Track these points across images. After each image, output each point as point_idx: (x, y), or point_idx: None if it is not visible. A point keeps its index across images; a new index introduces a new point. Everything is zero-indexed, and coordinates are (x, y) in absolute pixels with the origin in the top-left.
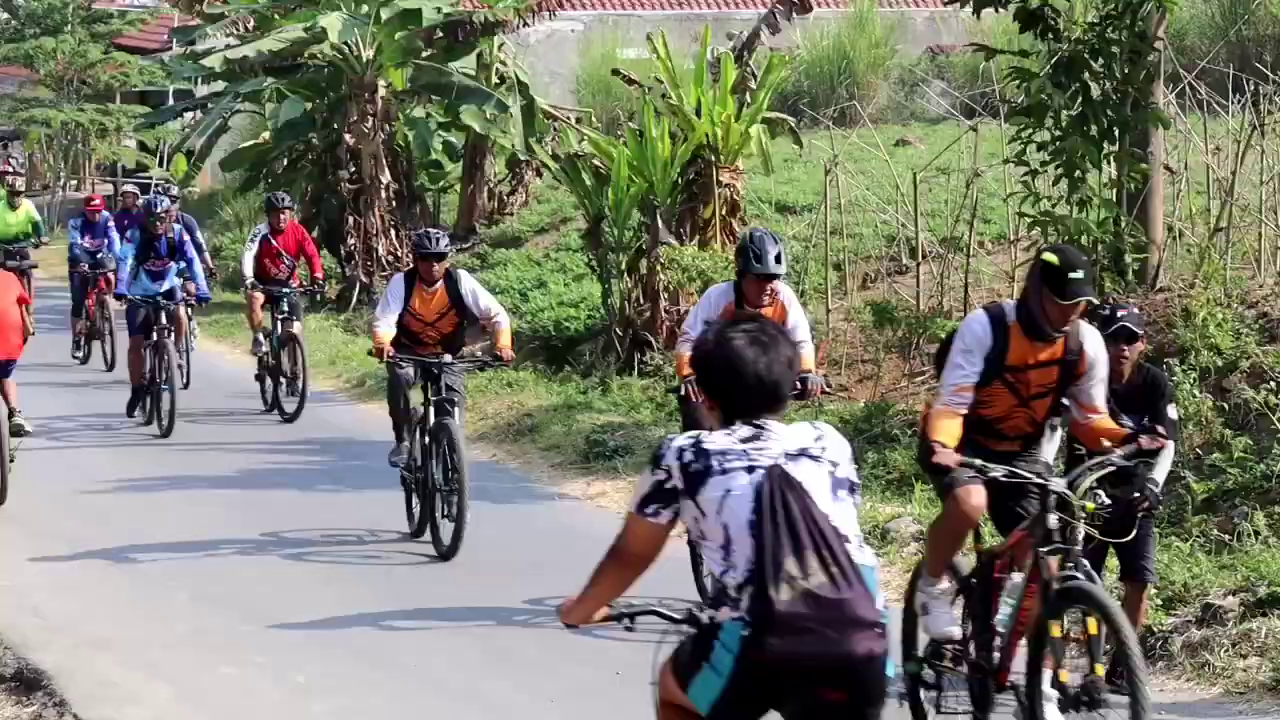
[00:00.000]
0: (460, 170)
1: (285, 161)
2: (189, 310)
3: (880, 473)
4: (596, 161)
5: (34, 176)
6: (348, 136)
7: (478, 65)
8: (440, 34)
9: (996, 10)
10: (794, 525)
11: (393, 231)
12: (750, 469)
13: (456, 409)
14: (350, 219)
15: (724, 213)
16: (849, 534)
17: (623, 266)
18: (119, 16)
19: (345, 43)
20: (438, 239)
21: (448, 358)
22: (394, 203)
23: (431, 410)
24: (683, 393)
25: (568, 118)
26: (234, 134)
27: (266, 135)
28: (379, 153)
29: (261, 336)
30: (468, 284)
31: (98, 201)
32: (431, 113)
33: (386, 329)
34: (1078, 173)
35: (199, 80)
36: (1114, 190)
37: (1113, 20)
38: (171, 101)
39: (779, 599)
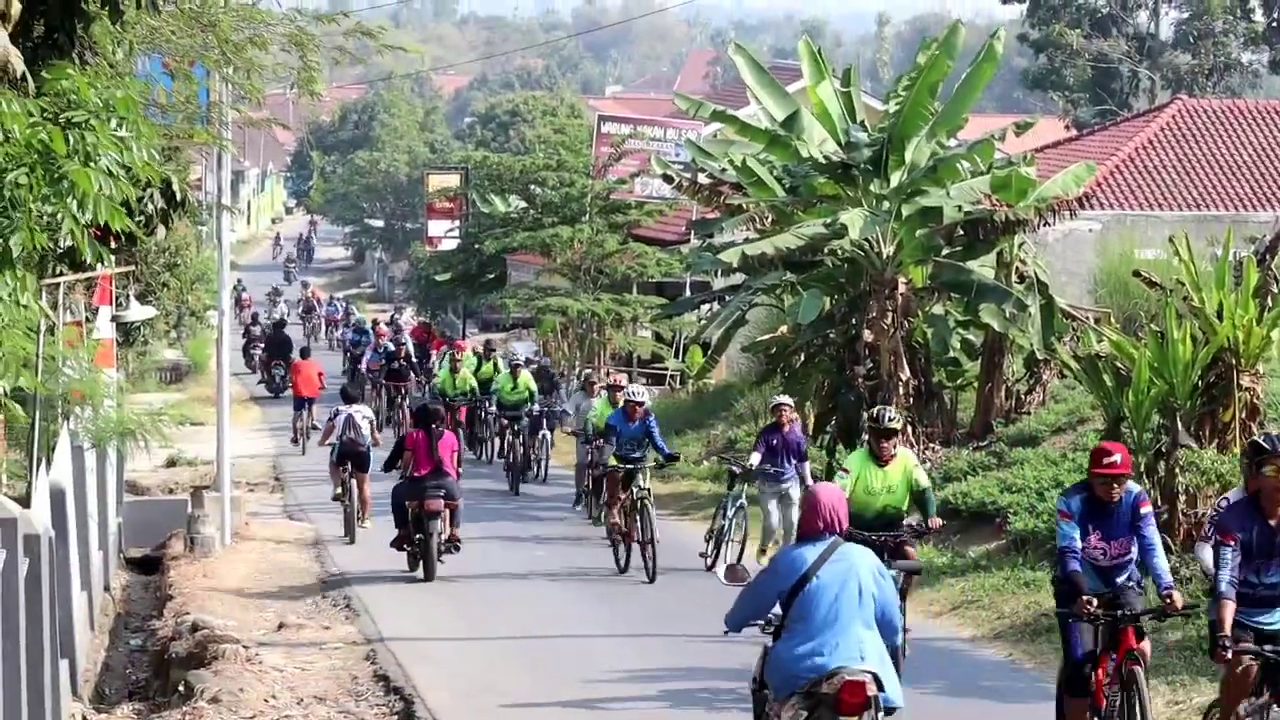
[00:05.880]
0: (978, 368)
1: (803, 356)
2: None
3: None
4: (1117, 362)
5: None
6: (867, 332)
7: (997, 263)
8: (961, 232)
9: None
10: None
11: (910, 428)
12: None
13: None
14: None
15: (1244, 416)
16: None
17: (1141, 468)
18: (637, 208)
19: (866, 239)
20: None
21: None
22: (911, 399)
23: None
24: None
25: (1086, 317)
26: (750, 327)
27: (784, 329)
28: (898, 349)
29: None
30: None
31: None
32: (950, 310)
33: None
34: None
35: (716, 273)
36: None
37: None
38: (688, 293)
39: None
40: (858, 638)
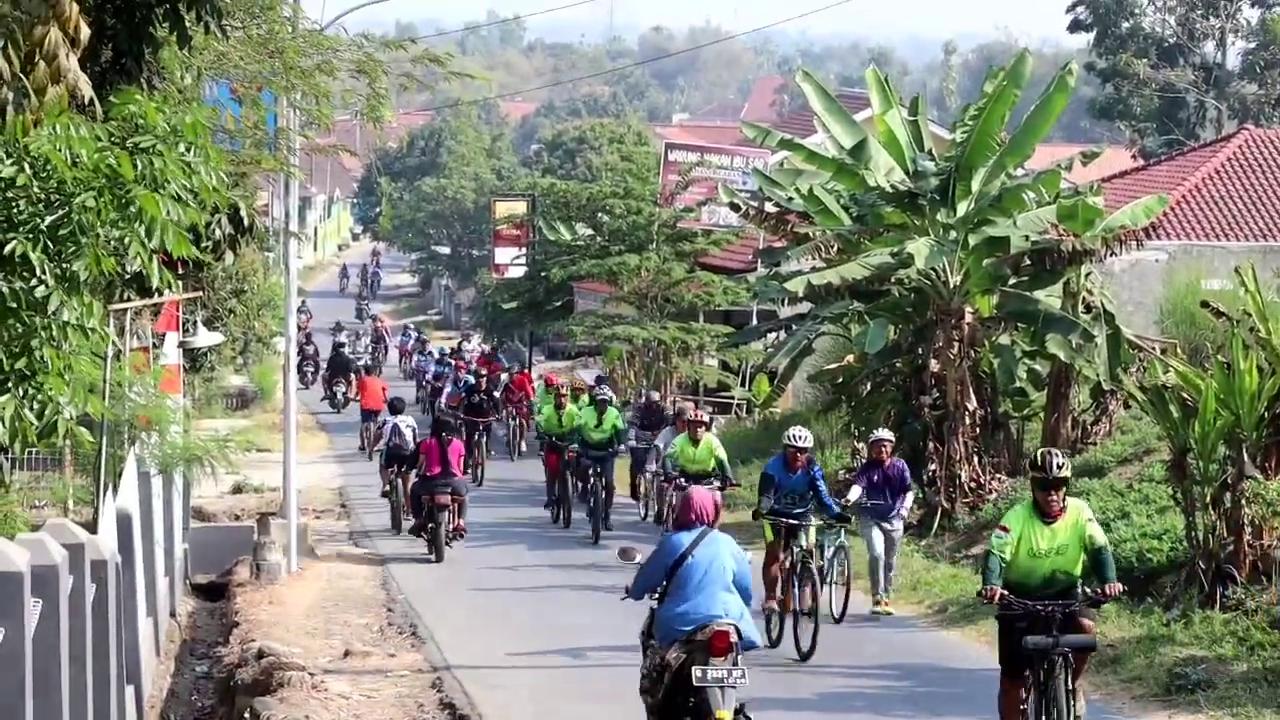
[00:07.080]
0: (1044, 398)
1: (869, 385)
2: None
3: None
4: (1183, 393)
5: (614, 393)
6: (933, 362)
7: (1064, 293)
8: (1028, 261)
9: None
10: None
11: (976, 458)
12: None
13: None
14: (932, 445)
15: None
16: None
17: (1207, 499)
18: (703, 236)
19: (932, 268)
20: None
21: None
22: (978, 429)
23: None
24: None
25: (1153, 348)
26: (816, 356)
27: (850, 358)
28: (964, 379)
29: None
30: None
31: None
32: (1017, 340)
33: None
34: None
35: (783, 301)
36: None
37: None
38: (755, 321)
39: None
40: (723, 600)
